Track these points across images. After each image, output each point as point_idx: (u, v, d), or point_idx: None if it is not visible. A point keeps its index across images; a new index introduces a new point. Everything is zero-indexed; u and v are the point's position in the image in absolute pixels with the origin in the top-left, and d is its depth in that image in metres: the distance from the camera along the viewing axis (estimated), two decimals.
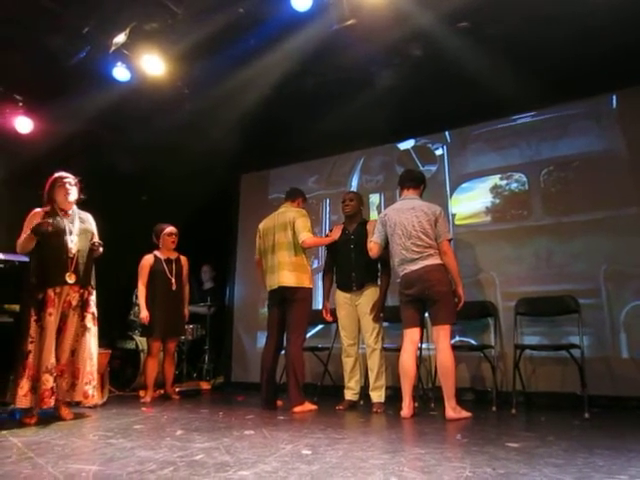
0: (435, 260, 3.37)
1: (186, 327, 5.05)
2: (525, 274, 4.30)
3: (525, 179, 4.49)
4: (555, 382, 4.00)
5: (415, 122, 5.00)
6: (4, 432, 2.74)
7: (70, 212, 3.37)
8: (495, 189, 4.62)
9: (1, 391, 3.42)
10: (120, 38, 3.99)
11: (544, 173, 4.42)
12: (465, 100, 4.55)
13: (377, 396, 3.70)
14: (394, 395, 3.96)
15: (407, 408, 3.28)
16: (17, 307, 3.56)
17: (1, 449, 2.33)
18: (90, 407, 3.55)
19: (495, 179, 4.63)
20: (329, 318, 4.00)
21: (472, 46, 3.85)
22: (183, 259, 4.73)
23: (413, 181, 3.66)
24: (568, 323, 3.95)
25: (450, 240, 3.46)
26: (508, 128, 4.67)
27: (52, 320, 3.12)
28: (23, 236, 3.19)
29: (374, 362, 3.73)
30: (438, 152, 5.01)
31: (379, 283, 3.91)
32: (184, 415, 3.42)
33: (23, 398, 2.99)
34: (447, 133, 4.99)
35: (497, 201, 4.60)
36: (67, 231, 3.28)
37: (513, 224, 4.47)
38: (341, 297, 3.91)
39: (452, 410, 3.18)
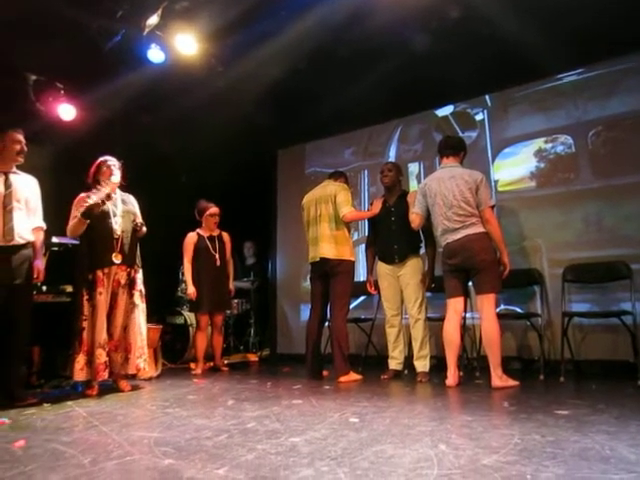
0: (478, 229, 3.31)
1: (232, 302, 5.18)
2: (573, 240, 4.16)
3: (572, 141, 4.29)
4: (606, 350, 3.88)
5: (453, 87, 4.79)
6: (70, 403, 2.94)
7: (114, 195, 3.49)
8: (540, 153, 4.44)
9: (63, 366, 3.68)
10: (153, 19, 4.02)
11: (592, 134, 4.21)
12: (506, 61, 4.33)
13: (421, 365, 3.72)
14: (439, 365, 3.97)
15: (452, 377, 3.30)
16: (72, 287, 3.76)
17: (69, 419, 2.50)
18: (146, 379, 3.76)
19: (539, 142, 4.45)
20: (373, 292, 4.03)
21: (512, 3, 3.66)
22: (225, 235, 4.83)
23: (453, 148, 3.57)
24: (619, 289, 3.81)
25: (493, 207, 3.39)
26: (553, 88, 4.44)
27: (102, 299, 3.30)
28: (73, 220, 3.33)
29: (418, 332, 3.75)
30: (478, 117, 4.85)
31: (421, 254, 3.89)
32: (234, 386, 3.55)
33: (80, 372, 3.21)
34: (487, 97, 4.80)
35: (542, 165, 4.43)
36: (111, 214, 3.42)
37: (559, 188, 4.30)
38: (383, 269, 3.92)
39: (498, 378, 3.17)
